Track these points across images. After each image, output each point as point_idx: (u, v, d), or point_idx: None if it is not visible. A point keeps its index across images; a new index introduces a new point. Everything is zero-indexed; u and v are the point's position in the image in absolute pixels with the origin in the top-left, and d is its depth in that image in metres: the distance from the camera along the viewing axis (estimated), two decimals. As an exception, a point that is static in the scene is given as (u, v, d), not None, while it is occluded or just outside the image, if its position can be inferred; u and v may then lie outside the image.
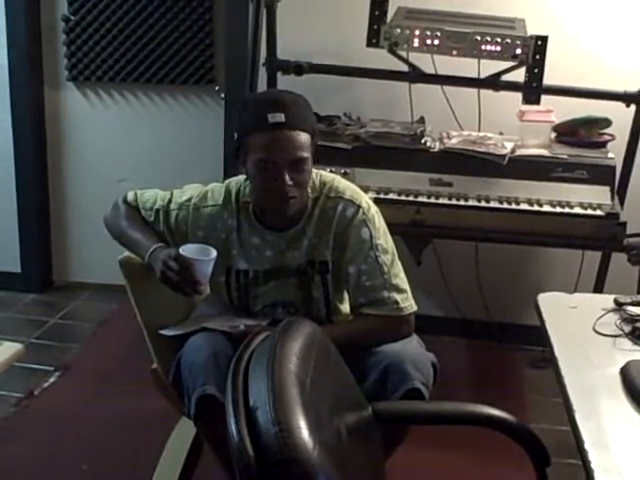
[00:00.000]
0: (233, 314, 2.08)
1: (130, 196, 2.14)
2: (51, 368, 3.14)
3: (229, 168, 3.40)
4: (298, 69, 3.00)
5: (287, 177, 1.86)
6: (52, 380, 3.07)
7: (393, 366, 1.86)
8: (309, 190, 1.99)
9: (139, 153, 3.80)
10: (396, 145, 2.89)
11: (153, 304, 2.11)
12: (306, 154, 1.88)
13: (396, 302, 1.96)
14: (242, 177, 2.03)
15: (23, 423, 2.78)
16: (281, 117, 1.83)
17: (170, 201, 2.08)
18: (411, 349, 1.94)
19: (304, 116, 1.90)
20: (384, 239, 2.00)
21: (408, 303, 1.99)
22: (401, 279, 2.00)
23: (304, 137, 1.87)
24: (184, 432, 2.24)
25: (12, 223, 3.86)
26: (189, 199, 2.07)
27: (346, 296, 2.09)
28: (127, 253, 2.11)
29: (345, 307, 2.10)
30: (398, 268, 2.01)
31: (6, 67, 3.65)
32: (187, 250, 1.90)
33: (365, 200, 2.02)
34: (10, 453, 2.58)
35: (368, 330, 1.97)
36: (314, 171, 2.03)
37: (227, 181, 2.11)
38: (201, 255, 1.90)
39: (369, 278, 1.96)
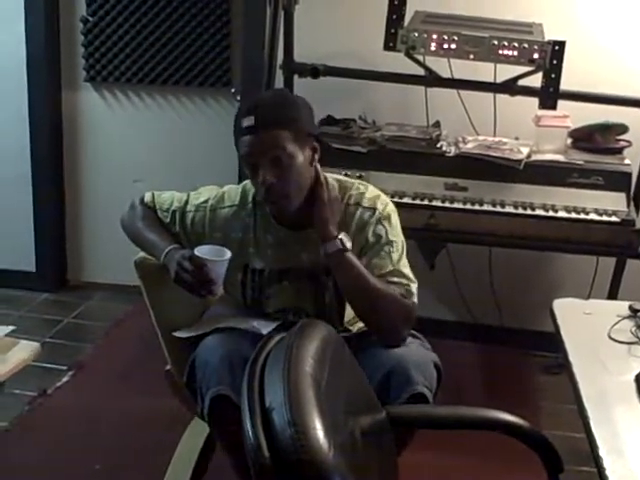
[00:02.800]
0: (246, 315, 2.08)
1: (147, 197, 2.15)
2: (65, 367, 3.16)
3: (243, 170, 3.42)
4: (314, 72, 3.00)
5: (268, 175, 1.88)
6: (65, 379, 3.08)
7: (396, 370, 1.85)
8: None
9: (155, 154, 3.82)
10: (411, 149, 2.89)
11: (167, 305, 2.12)
12: (287, 150, 1.88)
13: (406, 285, 1.96)
14: (258, 177, 2.04)
15: (36, 422, 2.79)
16: (251, 120, 1.88)
17: (187, 203, 2.09)
18: (414, 352, 1.92)
19: (277, 114, 1.91)
20: (398, 237, 2.01)
21: (414, 292, 1.98)
22: (409, 271, 2.00)
23: (281, 133, 1.88)
24: (196, 433, 2.24)
25: (28, 222, 3.88)
26: (206, 200, 2.08)
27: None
28: (142, 254, 2.12)
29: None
30: (406, 262, 2.02)
31: (24, 67, 3.67)
32: (201, 251, 1.91)
33: (382, 200, 2.03)
34: (23, 451, 2.60)
35: (388, 293, 1.92)
36: (334, 176, 2.04)
37: (244, 182, 2.12)
38: (215, 256, 1.91)
39: (380, 269, 1.96)
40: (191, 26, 3.58)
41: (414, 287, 1.99)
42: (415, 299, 1.98)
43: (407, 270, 2.00)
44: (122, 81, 3.70)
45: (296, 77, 3.08)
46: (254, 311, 2.09)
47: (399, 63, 2.87)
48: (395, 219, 2.03)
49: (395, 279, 1.96)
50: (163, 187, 2.21)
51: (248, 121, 1.88)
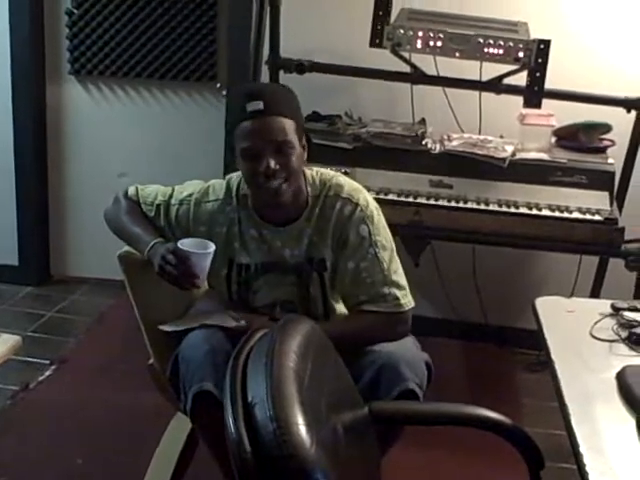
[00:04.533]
0: (232, 310, 2.08)
1: (131, 191, 2.14)
2: (47, 362, 3.14)
3: (229, 164, 3.41)
4: (300, 68, 2.99)
5: (273, 161, 1.88)
6: (48, 374, 3.06)
7: (387, 366, 1.86)
8: (309, 189, 2.00)
9: (139, 148, 3.80)
10: (397, 146, 2.89)
11: (151, 299, 2.11)
12: (290, 138, 1.89)
13: (396, 298, 1.97)
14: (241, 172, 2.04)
15: (18, 416, 2.77)
16: (259, 105, 1.86)
17: (171, 196, 2.09)
18: (405, 350, 1.94)
19: (284, 103, 1.92)
20: (383, 235, 2.01)
21: (407, 299, 2.00)
22: (400, 275, 2.01)
23: (286, 122, 1.89)
24: (179, 427, 2.24)
25: (11, 216, 3.85)
26: (190, 194, 2.08)
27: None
28: (126, 248, 2.11)
29: (341, 307, 2.10)
30: (397, 264, 2.02)
31: (8, 59, 3.64)
32: (185, 244, 1.91)
33: (364, 197, 2.02)
34: (5, 446, 2.58)
35: (366, 327, 1.97)
36: (315, 169, 2.04)
37: (228, 176, 2.12)
38: (199, 249, 1.91)
39: (369, 275, 1.97)
40: (177, 20, 3.56)
41: (404, 294, 1.99)
42: (406, 307, 1.99)
43: (397, 276, 2.00)
44: (107, 74, 3.69)
45: (282, 73, 3.07)
46: (240, 306, 2.09)
47: (385, 60, 2.87)
48: (379, 217, 2.03)
49: (385, 290, 1.97)
50: (148, 181, 2.20)
51: (255, 105, 1.86)
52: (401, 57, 2.86)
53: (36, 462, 2.50)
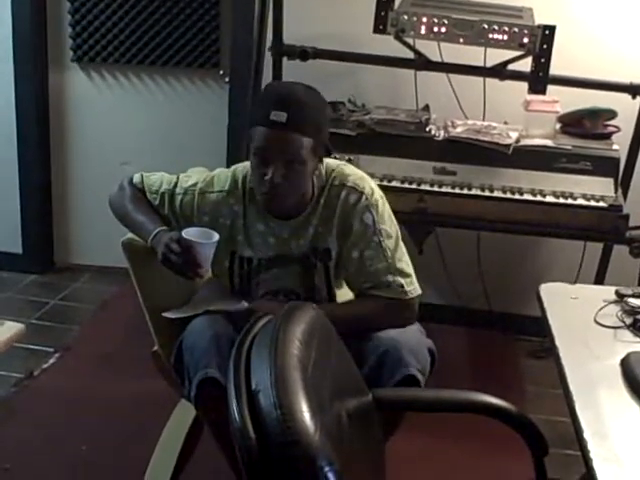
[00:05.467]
0: (235, 297, 2.08)
1: (136, 178, 2.13)
2: (51, 349, 3.15)
3: (232, 153, 3.41)
4: (303, 54, 2.98)
5: (279, 174, 1.86)
6: (52, 361, 3.07)
7: (390, 352, 1.86)
8: (315, 180, 1.99)
9: (142, 136, 3.79)
10: (400, 132, 2.88)
11: (155, 287, 2.11)
12: (302, 156, 1.86)
13: (401, 285, 1.97)
14: (248, 163, 2.02)
15: (23, 403, 2.78)
16: (282, 116, 1.82)
17: (176, 185, 2.08)
18: (409, 336, 1.94)
19: (309, 119, 1.87)
20: (388, 224, 2.00)
21: (412, 287, 2.00)
22: (405, 263, 2.00)
23: (304, 140, 1.85)
24: (183, 414, 2.24)
25: (14, 204, 3.85)
26: (195, 184, 2.07)
27: (344, 284, 2.09)
28: (130, 235, 2.11)
29: (343, 294, 2.10)
30: (402, 252, 2.02)
31: (11, 46, 3.63)
32: (189, 233, 1.90)
33: (369, 185, 2.02)
34: (10, 433, 2.59)
35: (371, 311, 1.97)
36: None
37: (233, 167, 2.10)
38: (203, 238, 1.90)
39: (373, 263, 1.97)
40: (180, 6, 3.54)
41: (409, 282, 1.99)
42: (411, 294, 1.99)
43: (402, 263, 1.99)
44: (110, 61, 3.67)
45: (285, 59, 3.06)
46: (242, 296, 2.09)
47: (389, 46, 2.86)
48: (383, 205, 2.02)
49: (390, 278, 1.96)
50: (151, 168, 2.19)
51: (278, 116, 1.82)
52: (405, 43, 2.84)
53: (40, 449, 2.51)
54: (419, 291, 2.01)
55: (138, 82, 3.74)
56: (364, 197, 1.98)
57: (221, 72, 3.60)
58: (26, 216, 3.89)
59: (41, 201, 3.90)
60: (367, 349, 1.89)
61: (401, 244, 2.02)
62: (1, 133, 3.77)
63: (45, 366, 3.03)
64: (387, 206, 2.03)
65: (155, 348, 2.13)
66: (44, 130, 3.82)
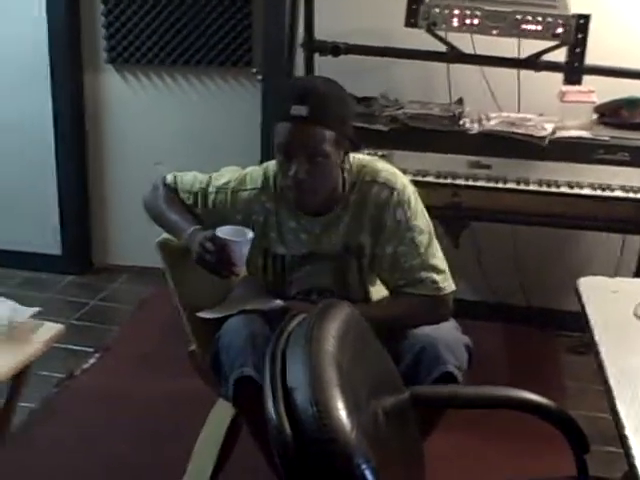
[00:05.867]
0: (270, 295, 2.08)
1: (169, 178, 2.15)
2: (91, 349, 3.18)
3: (265, 151, 3.41)
4: (335, 50, 2.98)
5: (302, 169, 1.85)
6: (92, 361, 3.11)
7: (426, 350, 1.86)
8: (346, 175, 1.98)
9: (176, 135, 3.81)
10: (434, 127, 2.86)
11: (191, 286, 2.12)
12: (326, 149, 1.85)
13: (434, 282, 1.96)
14: (279, 160, 2.03)
15: (64, 403, 2.82)
16: (303, 111, 1.82)
17: (208, 184, 2.09)
18: (445, 332, 1.93)
19: (330, 112, 1.86)
20: (421, 220, 1.99)
21: (447, 283, 1.98)
22: (439, 259, 1.99)
23: (326, 133, 1.85)
24: (221, 414, 2.24)
25: (53, 206, 3.91)
26: (227, 182, 2.07)
27: (378, 281, 2.08)
28: (165, 235, 2.12)
29: (377, 291, 2.09)
30: (435, 248, 2.00)
31: (46, 49, 3.68)
32: (223, 231, 1.91)
33: (401, 181, 2.00)
34: (51, 432, 2.62)
35: (406, 310, 1.97)
36: (351, 155, 2.02)
37: (265, 164, 2.11)
38: (237, 236, 1.91)
39: (407, 260, 1.96)
40: (212, 5, 3.56)
41: (443, 278, 1.98)
42: (446, 291, 1.98)
43: (436, 260, 1.98)
44: (143, 62, 3.70)
45: (317, 55, 3.06)
46: (275, 295, 2.09)
47: (421, 40, 2.84)
48: (416, 201, 2.00)
49: (423, 275, 1.96)
50: (185, 168, 2.20)
51: (298, 110, 1.82)
52: (437, 36, 2.82)
53: (80, 448, 2.53)
54: (453, 287, 2.00)
55: (172, 82, 3.77)
56: (396, 193, 1.97)
57: (254, 70, 3.60)
58: (64, 218, 3.94)
59: (79, 203, 3.95)
60: (403, 347, 1.88)
61: (434, 240, 2.01)
62: (39, 136, 3.82)
63: (85, 366, 3.06)
64: (419, 201, 2.02)
65: (191, 348, 2.14)
66: (80, 132, 3.87)
